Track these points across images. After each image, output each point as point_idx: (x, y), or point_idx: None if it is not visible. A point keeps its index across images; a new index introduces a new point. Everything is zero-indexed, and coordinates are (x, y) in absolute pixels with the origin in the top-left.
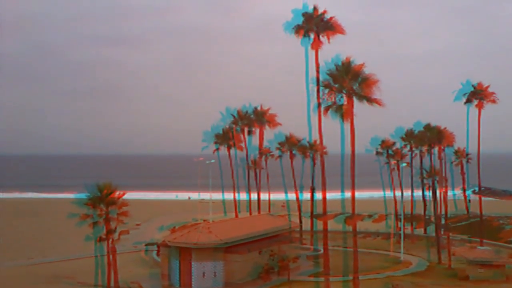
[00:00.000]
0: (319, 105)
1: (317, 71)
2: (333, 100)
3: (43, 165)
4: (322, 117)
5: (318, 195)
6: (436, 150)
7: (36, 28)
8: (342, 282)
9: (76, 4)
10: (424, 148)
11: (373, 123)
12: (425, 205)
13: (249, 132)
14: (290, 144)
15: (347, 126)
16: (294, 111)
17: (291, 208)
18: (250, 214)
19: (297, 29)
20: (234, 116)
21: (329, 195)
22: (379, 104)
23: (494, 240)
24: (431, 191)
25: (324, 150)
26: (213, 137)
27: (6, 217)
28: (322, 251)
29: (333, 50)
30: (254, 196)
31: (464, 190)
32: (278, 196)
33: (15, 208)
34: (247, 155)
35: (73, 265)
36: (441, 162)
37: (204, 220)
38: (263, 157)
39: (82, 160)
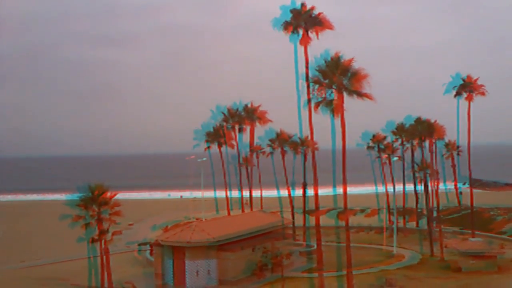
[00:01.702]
0: (309, 101)
1: (307, 67)
2: (323, 95)
3: (34, 167)
4: (313, 113)
5: (310, 191)
6: (427, 143)
7: (28, 28)
8: (336, 277)
9: (69, 4)
10: (415, 142)
11: (364, 117)
12: (417, 198)
13: (240, 130)
14: (281, 140)
15: (337, 121)
16: (285, 107)
17: (283, 205)
18: (243, 211)
19: (286, 26)
20: (224, 114)
21: (321, 191)
22: (369, 99)
23: (485, 231)
24: (422, 184)
25: (315, 146)
26: (204, 135)
27: None
28: (315, 246)
29: (322, 45)
30: (246, 193)
31: (455, 182)
32: (270, 193)
33: (6, 210)
34: (238, 153)
35: (66, 267)
36: (432, 155)
37: (197, 219)
38: (254, 154)
39: (73, 160)
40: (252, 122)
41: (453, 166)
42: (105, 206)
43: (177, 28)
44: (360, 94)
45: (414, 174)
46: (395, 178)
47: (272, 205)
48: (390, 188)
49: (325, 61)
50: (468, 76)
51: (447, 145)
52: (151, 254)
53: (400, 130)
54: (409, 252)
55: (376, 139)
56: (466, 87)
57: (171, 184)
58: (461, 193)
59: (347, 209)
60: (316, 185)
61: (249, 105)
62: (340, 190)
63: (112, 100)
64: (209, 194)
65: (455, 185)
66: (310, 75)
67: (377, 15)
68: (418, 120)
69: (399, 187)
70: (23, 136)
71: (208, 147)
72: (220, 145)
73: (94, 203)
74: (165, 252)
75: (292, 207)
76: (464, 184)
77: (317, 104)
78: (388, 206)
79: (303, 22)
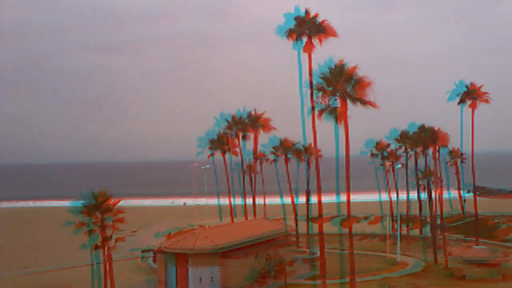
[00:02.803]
0: (313, 108)
1: (310, 75)
2: (327, 103)
3: (37, 174)
4: (316, 120)
5: (314, 198)
6: (430, 150)
7: (30, 37)
8: (339, 285)
9: (71, 13)
10: (419, 149)
11: (368, 125)
12: (420, 205)
13: (244, 137)
14: (284, 148)
15: (341, 128)
16: (288, 115)
17: (286, 212)
18: (246, 218)
19: (289, 33)
20: (228, 121)
21: (325, 198)
22: (373, 106)
23: (489, 239)
24: (426, 192)
25: (319, 153)
26: (208, 142)
27: (1, 226)
28: (318, 254)
29: (326, 53)
30: (249, 200)
31: (459, 190)
32: (273, 200)
33: (10, 217)
34: (242, 160)
35: (69, 273)
36: (436, 163)
37: (200, 226)
38: (258, 161)
39: (77, 168)
40: (256, 130)
41: (457, 173)
42: (108, 213)
43: (181, 36)
44: (364, 102)
45: (417, 182)
46: (399, 185)
47: (275, 212)
48: (393, 195)
49: (329, 69)
50: (472, 84)
51: (450, 152)
52: (154, 261)
53: (403, 138)
54: (412, 259)
55: (380, 146)
56: (470, 95)
57: (175, 191)
58: (464, 200)
59: (351, 216)
60: (319, 192)
61: (252, 113)
62: (343, 197)
63: (115, 108)
64: (212, 201)
65: (459, 193)
66: (314, 82)
67: (380, 23)
68: (422, 128)
69: (402, 194)
70: (27, 143)
71: (212, 154)
72: (223, 153)
73: (97, 210)
74: (168, 259)
75: (296, 214)
76: (468, 191)
77: (321, 112)
78: (392, 214)
79: (307, 30)
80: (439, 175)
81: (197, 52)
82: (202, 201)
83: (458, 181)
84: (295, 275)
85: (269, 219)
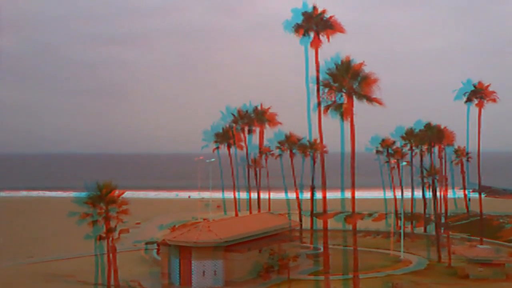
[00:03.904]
0: (319, 104)
1: (317, 70)
2: (333, 99)
3: (42, 164)
4: (322, 116)
5: (318, 194)
6: (436, 149)
7: (36, 27)
8: (342, 281)
9: (78, 2)
10: (425, 147)
11: (373, 122)
12: (425, 204)
13: (249, 131)
14: (290, 143)
15: (347, 125)
16: (294, 110)
17: (291, 207)
18: (250, 212)
19: (297, 28)
20: (234, 115)
21: (329, 194)
22: (379, 103)
23: (494, 238)
24: (431, 190)
25: (324, 149)
26: (213, 136)
27: (6, 215)
28: (322, 249)
29: (333, 49)
30: (254, 195)
31: (464, 189)
32: (278, 195)
33: (15, 207)
34: (247, 154)
35: (73, 264)
36: (441, 161)
37: (204, 219)
38: (263, 156)
39: (82, 159)
40: (262, 124)
41: (462, 172)
42: (112, 204)
43: (188, 29)
44: (370, 99)
45: (422, 180)
46: (404, 183)
47: (279, 207)
48: (398, 193)
49: (336, 65)
50: (480, 83)
51: (456, 151)
52: (157, 253)
53: (409, 135)
54: (416, 257)
55: (385, 143)
56: (477, 94)
57: (179, 184)
58: (469, 199)
59: (355, 213)
60: (324, 188)
61: (259, 107)
62: (348, 194)
63: (121, 100)
64: (217, 194)
65: (464, 192)
66: (320, 78)
67: (387, 20)
68: (428, 126)
69: (407, 192)
70: (33, 134)
71: (217, 148)
72: (229, 146)
73: (102, 201)
74: (171, 251)
75: (300, 210)
76: (473, 191)
77: (327, 108)
78: (396, 211)
79: (314, 25)
80: (444, 173)
81: (204, 45)
82: (206, 194)
83: (463, 180)
84: (299, 270)
85: (273, 214)
